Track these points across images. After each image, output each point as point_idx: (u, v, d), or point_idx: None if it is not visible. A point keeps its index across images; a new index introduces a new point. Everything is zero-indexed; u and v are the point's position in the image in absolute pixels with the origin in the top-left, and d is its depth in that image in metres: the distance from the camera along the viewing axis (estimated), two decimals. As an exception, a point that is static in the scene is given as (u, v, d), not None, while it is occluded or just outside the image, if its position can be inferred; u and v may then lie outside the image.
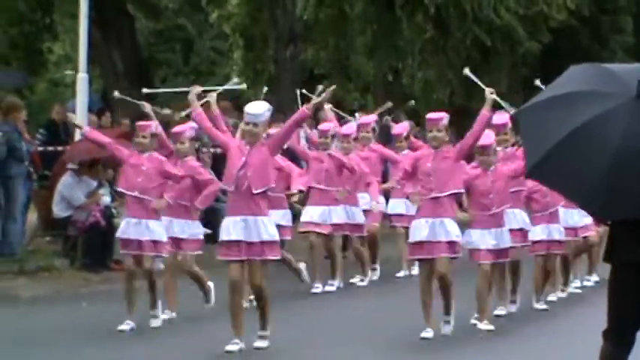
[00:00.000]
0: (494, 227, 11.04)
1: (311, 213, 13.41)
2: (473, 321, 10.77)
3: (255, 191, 9.45)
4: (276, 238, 9.79)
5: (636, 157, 5.81)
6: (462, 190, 10.94)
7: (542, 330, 11.27)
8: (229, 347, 9.52)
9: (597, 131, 6.06)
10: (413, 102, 21.41)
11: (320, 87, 11.47)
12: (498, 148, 11.60)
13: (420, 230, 10.43)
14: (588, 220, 12.82)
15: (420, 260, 10.94)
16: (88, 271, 13.49)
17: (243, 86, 12.76)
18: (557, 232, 12.56)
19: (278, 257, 10.14)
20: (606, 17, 29.66)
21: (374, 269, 15.06)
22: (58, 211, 15.48)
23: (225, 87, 12.43)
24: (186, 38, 33.60)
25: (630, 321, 6.07)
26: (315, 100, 10.76)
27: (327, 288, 13.41)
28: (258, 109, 9.77)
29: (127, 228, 10.87)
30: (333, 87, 12.56)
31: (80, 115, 17.33)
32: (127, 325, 10.58)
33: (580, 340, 9.46)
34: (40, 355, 10.07)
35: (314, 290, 13.60)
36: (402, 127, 15.59)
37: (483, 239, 10.90)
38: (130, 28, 25.39)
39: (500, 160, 11.88)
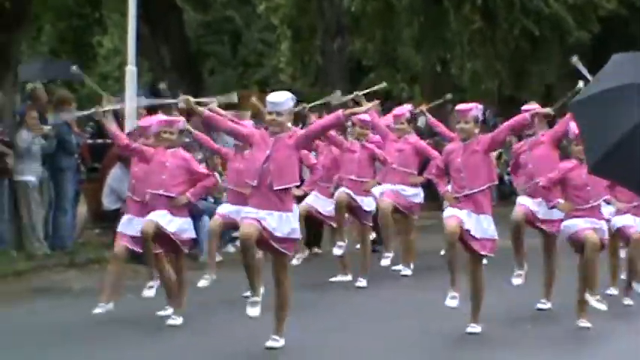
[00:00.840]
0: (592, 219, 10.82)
1: None
2: (587, 297, 10.34)
3: (276, 187, 9.17)
4: (298, 235, 9.61)
5: None
6: (495, 182, 10.71)
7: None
8: (250, 312, 9.36)
9: None
10: (449, 95, 20.43)
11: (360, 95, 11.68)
12: None
13: (462, 216, 10.10)
14: None
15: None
16: (136, 263, 13.71)
17: (234, 99, 12.21)
18: None
19: (291, 253, 9.85)
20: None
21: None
22: (108, 203, 15.51)
23: (218, 98, 11.92)
24: (234, 30, 33.49)
25: None
26: (358, 109, 10.67)
27: (358, 283, 13.10)
28: (280, 97, 9.55)
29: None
30: (375, 102, 12.78)
31: (129, 108, 16.90)
32: (165, 312, 10.66)
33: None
34: (89, 346, 10.17)
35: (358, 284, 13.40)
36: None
37: (585, 224, 10.52)
38: (178, 20, 25.46)
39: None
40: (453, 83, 26.98)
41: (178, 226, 10.54)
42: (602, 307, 10.36)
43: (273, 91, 20.00)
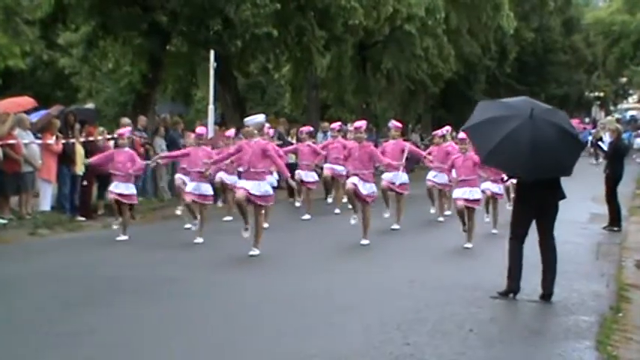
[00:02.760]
0: None
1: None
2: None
3: (254, 169, 13.26)
4: (270, 193, 13.62)
5: (546, 145, 9.72)
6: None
7: None
8: (244, 234, 13.59)
9: (518, 135, 9.72)
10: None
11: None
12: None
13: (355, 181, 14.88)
14: None
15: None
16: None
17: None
18: None
19: (265, 204, 13.67)
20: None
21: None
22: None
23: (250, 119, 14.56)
24: (261, 87, 43.72)
25: None
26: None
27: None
28: (255, 118, 13.76)
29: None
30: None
31: (210, 127, 22.95)
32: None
33: None
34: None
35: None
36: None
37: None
38: (234, 81, 32.29)
39: None
40: (371, 113, 38.63)
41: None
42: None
43: (283, 118, 31.82)
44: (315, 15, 29.41)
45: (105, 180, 18.48)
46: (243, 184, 13.36)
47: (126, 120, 20.97)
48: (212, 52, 24.62)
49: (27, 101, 20.67)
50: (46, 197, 17.97)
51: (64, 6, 26.36)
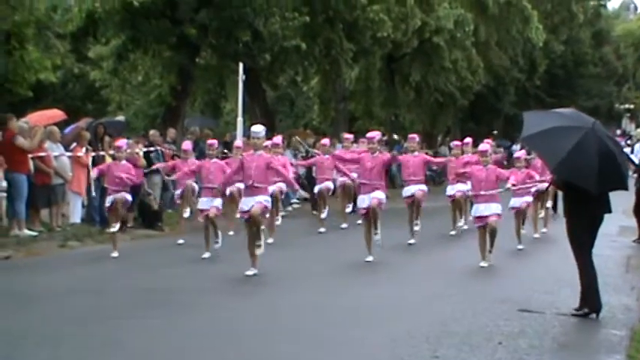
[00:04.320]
0: None
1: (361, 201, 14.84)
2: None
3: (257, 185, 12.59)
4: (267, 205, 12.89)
5: (609, 158, 9.59)
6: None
7: None
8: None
9: (585, 147, 9.52)
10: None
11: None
12: None
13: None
14: None
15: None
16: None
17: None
18: None
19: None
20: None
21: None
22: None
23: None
24: (290, 99, 44.29)
25: None
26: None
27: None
28: (260, 129, 12.90)
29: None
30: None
31: (239, 139, 21.49)
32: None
33: None
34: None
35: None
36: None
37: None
38: (263, 94, 32.56)
39: None
40: (399, 125, 40.38)
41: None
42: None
43: (311, 130, 33.47)
44: (344, 27, 29.62)
45: (134, 191, 18.59)
46: (246, 203, 12.77)
47: (155, 132, 21.16)
48: (241, 65, 24.72)
49: (57, 114, 20.86)
50: (76, 209, 18.05)
51: (95, 20, 26.69)
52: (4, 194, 16.39)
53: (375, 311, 10.32)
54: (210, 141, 16.32)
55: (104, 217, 18.20)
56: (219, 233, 14.76)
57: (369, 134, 15.11)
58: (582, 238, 10.00)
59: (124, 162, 15.28)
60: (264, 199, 12.64)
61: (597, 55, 57.60)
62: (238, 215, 13.46)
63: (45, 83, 25.18)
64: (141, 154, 19.28)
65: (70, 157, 17.92)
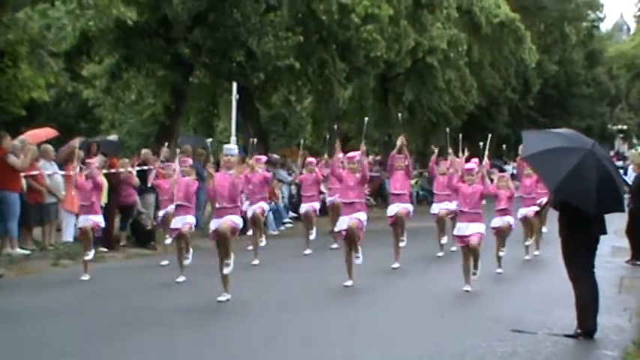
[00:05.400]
0: None
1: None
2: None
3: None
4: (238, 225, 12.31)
5: (607, 180, 9.65)
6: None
7: None
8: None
9: (584, 168, 9.53)
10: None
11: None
12: None
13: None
14: None
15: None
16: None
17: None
18: None
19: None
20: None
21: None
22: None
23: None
24: (284, 118, 43.18)
25: None
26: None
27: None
28: (233, 147, 13.02)
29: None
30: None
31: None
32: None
33: None
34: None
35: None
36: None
37: None
38: (257, 113, 32.41)
39: None
40: (393, 145, 40.03)
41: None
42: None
43: (304, 149, 27.55)
44: (337, 47, 29.74)
45: (128, 210, 18.66)
46: (215, 224, 12.30)
47: (148, 151, 21.12)
48: (234, 84, 24.74)
49: (48, 132, 20.85)
50: (68, 228, 18.05)
51: (89, 38, 26.86)
52: (-5, 213, 16.30)
53: (368, 332, 10.32)
54: (184, 158, 15.89)
55: (97, 236, 18.27)
56: (191, 250, 14.36)
57: (349, 154, 14.74)
58: (581, 259, 10.00)
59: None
60: (234, 218, 12.21)
61: (590, 76, 57.80)
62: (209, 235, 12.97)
63: (38, 102, 25.17)
64: (134, 172, 19.20)
65: (63, 175, 17.90)
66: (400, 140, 15.55)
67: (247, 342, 9.70)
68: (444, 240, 18.23)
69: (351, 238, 13.89)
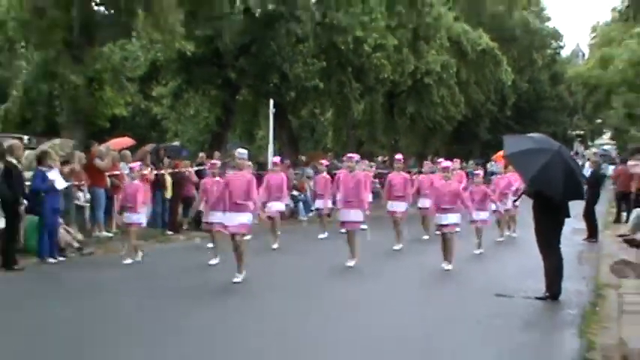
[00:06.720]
0: None
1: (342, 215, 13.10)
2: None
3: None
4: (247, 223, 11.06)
5: (571, 174, 9.71)
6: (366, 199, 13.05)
7: None
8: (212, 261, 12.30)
9: (553, 164, 9.53)
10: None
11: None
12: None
13: None
14: None
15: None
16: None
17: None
18: None
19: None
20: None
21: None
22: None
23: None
24: (312, 127, 42.11)
25: None
26: None
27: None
28: (244, 151, 11.27)
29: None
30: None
31: (269, 160, 21.00)
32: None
33: None
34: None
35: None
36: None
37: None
38: (289, 123, 31.73)
39: None
40: (397, 148, 36.89)
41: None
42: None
43: (330, 153, 30.97)
44: (353, 71, 29.85)
45: (188, 201, 18.72)
46: (230, 218, 11.10)
47: (203, 155, 21.25)
48: (271, 101, 24.92)
49: (127, 141, 21.02)
50: (143, 216, 18.04)
51: (157, 66, 27.26)
52: (88, 204, 16.39)
53: (378, 298, 10.28)
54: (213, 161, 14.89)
55: (164, 221, 18.40)
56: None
57: (349, 155, 13.63)
58: (550, 237, 9.95)
59: (136, 181, 14.05)
60: (246, 219, 11.07)
61: (554, 92, 57.54)
62: (217, 228, 11.89)
63: (118, 116, 25.36)
64: (193, 171, 19.29)
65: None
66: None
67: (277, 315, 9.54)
68: (426, 237, 17.14)
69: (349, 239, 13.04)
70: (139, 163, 14.73)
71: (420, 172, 20.68)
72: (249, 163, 14.02)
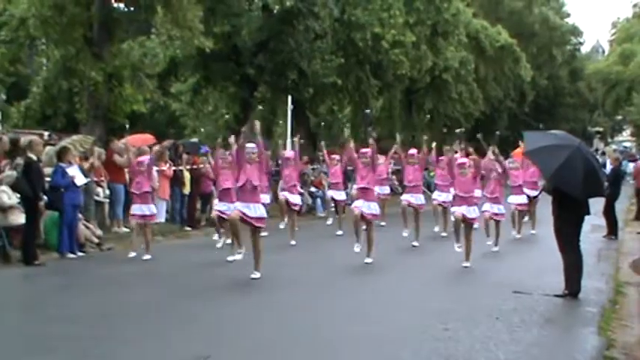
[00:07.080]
0: None
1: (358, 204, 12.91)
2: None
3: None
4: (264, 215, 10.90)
5: (591, 171, 9.61)
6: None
7: None
8: (237, 257, 11.53)
9: (573, 161, 9.45)
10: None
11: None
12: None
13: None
14: None
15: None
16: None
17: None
18: None
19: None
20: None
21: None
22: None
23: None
24: (329, 124, 42.55)
25: None
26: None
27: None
28: (254, 145, 10.96)
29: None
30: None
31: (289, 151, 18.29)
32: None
33: None
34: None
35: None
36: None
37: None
38: (307, 119, 32.71)
39: None
40: (416, 145, 40.22)
41: None
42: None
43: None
44: (371, 67, 29.89)
45: (207, 197, 18.76)
46: (246, 206, 10.81)
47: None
48: (290, 97, 24.99)
49: (148, 137, 21.04)
50: (161, 211, 18.15)
51: (176, 63, 27.33)
52: (107, 200, 16.48)
53: (395, 293, 10.24)
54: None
55: (183, 217, 18.49)
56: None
57: (362, 150, 13.49)
58: (569, 234, 9.86)
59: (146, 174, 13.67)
60: (264, 211, 11.01)
61: (573, 89, 57.32)
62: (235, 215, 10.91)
63: (137, 113, 25.46)
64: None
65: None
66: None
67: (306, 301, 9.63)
68: (443, 232, 17.22)
69: (367, 237, 12.97)
70: (147, 157, 14.59)
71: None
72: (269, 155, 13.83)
